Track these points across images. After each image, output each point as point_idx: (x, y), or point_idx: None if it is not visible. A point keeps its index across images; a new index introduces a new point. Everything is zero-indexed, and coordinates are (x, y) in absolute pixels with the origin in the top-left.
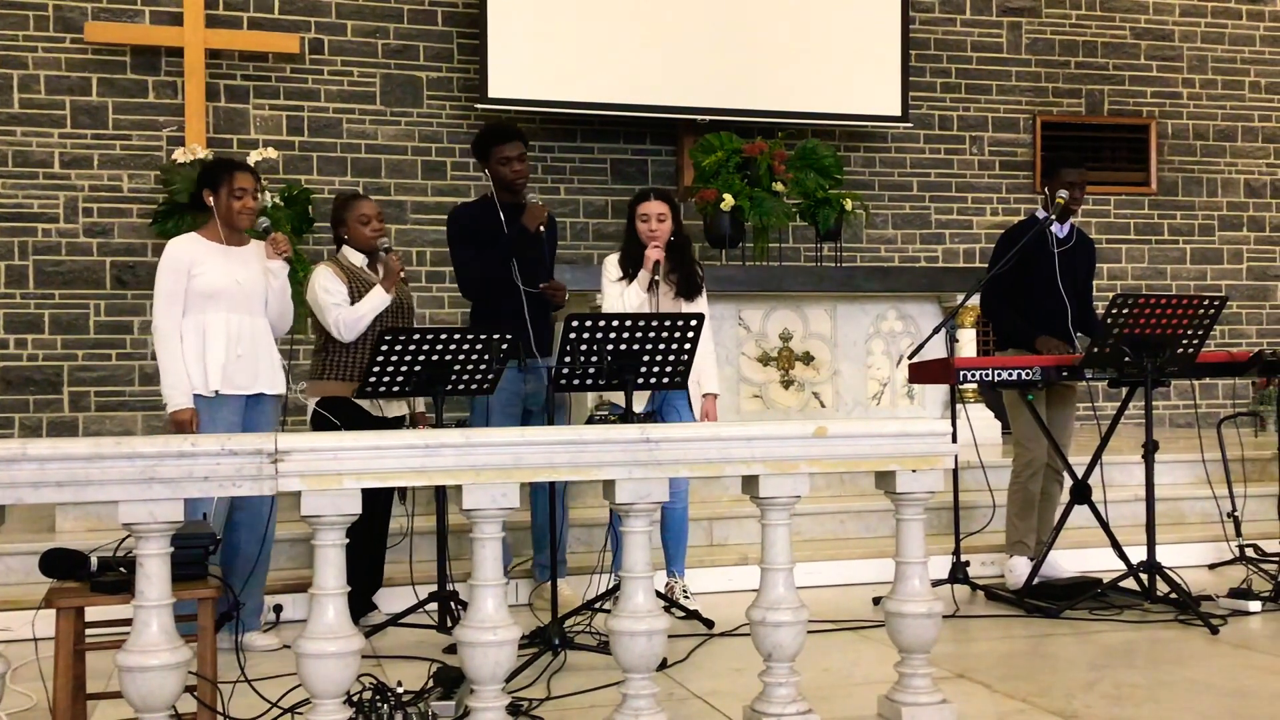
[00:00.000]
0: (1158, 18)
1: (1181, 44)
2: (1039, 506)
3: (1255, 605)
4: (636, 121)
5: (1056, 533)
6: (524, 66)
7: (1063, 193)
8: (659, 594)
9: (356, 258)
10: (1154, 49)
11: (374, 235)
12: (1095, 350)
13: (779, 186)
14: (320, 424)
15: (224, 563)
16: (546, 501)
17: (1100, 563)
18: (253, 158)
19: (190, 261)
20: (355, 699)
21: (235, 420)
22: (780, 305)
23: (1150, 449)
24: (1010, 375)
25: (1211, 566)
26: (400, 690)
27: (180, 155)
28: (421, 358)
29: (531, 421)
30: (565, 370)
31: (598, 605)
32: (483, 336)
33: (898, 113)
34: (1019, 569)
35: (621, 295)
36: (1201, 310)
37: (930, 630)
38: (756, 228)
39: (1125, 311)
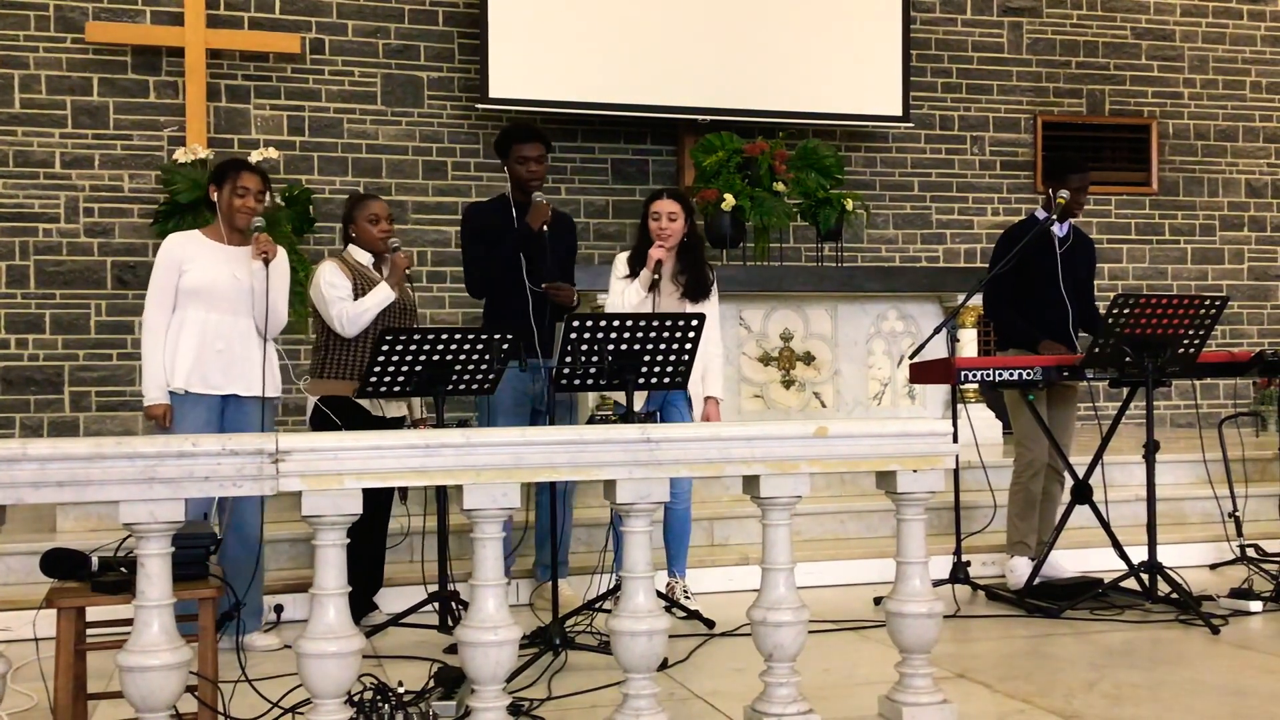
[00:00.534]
0: (1159, 18)
1: (1182, 44)
2: (1040, 506)
3: (1256, 605)
4: (637, 121)
5: (1057, 533)
6: (525, 66)
7: (1063, 193)
8: (660, 594)
9: (363, 256)
10: (1155, 49)
11: (382, 235)
12: (1096, 350)
13: (780, 186)
14: (320, 422)
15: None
16: (549, 502)
17: (1101, 563)
18: (254, 158)
19: (182, 258)
20: (356, 699)
21: (210, 419)
22: (781, 305)
23: (1151, 449)
24: (1011, 375)
25: (1212, 566)
26: (401, 690)
27: (181, 155)
28: (422, 358)
29: (540, 422)
30: (566, 370)
31: (598, 605)
32: (483, 336)
33: (899, 113)
34: (1020, 569)
35: (623, 294)
36: (1202, 310)
37: (931, 630)
38: (757, 228)
39: (1126, 311)
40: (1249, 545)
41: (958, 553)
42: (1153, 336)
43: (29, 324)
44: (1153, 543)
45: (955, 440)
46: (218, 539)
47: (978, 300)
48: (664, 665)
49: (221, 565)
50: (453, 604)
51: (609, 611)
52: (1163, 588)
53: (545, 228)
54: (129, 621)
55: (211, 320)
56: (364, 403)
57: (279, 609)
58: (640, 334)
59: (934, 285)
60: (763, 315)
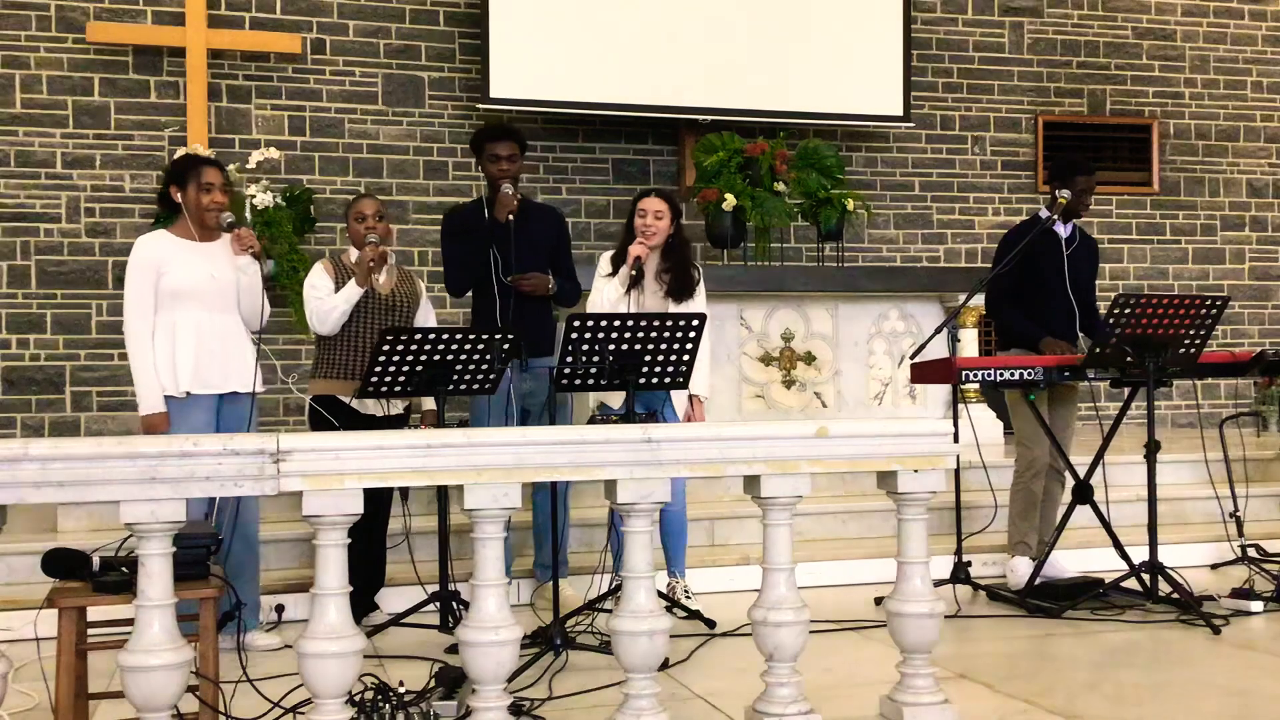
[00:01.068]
0: (1160, 18)
1: (1183, 44)
2: (1041, 506)
3: (1257, 605)
4: (638, 121)
5: (1058, 533)
6: (526, 67)
7: (1064, 193)
8: (661, 594)
9: (356, 255)
10: (1156, 49)
11: (365, 232)
12: (1097, 350)
13: (781, 186)
14: (316, 420)
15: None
16: (547, 501)
17: (1102, 563)
18: (254, 158)
19: (159, 260)
20: (357, 699)
21: (208, 419)
22: (782, 305)
23: (1152, 449)
24: (1012, 375)
25: (1214, 566)
26: (402, 690)
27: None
28: (423, 357)
29: (530, 422)
30: (567, 370)
31: (599, 605)
32: (484, 336)
33: (900, 112)
34: (1021, 569)
35: (602, 290)
36: (1204, 310)
37: (932, 630)
38: (758, 227)
39: (1127, 311)
40: (1250, 545)
41: (959, 553)
42: (1154, 336)
43: (30, 324)
44: (1154, 543)
45: (956, 440)
46: (218, 539)
47: (979, 300)
48: (665, 665)
49: (221, 564)
50: (454, 604)
51: (610, 611)
52: (1164, 588)
53: (511, 218)
54: (130, 621)
55: (204, 320)
56: (356, 401)
57: (280, 608)
58: (641, 334)
59: (935, 285)
60: (764, 315)
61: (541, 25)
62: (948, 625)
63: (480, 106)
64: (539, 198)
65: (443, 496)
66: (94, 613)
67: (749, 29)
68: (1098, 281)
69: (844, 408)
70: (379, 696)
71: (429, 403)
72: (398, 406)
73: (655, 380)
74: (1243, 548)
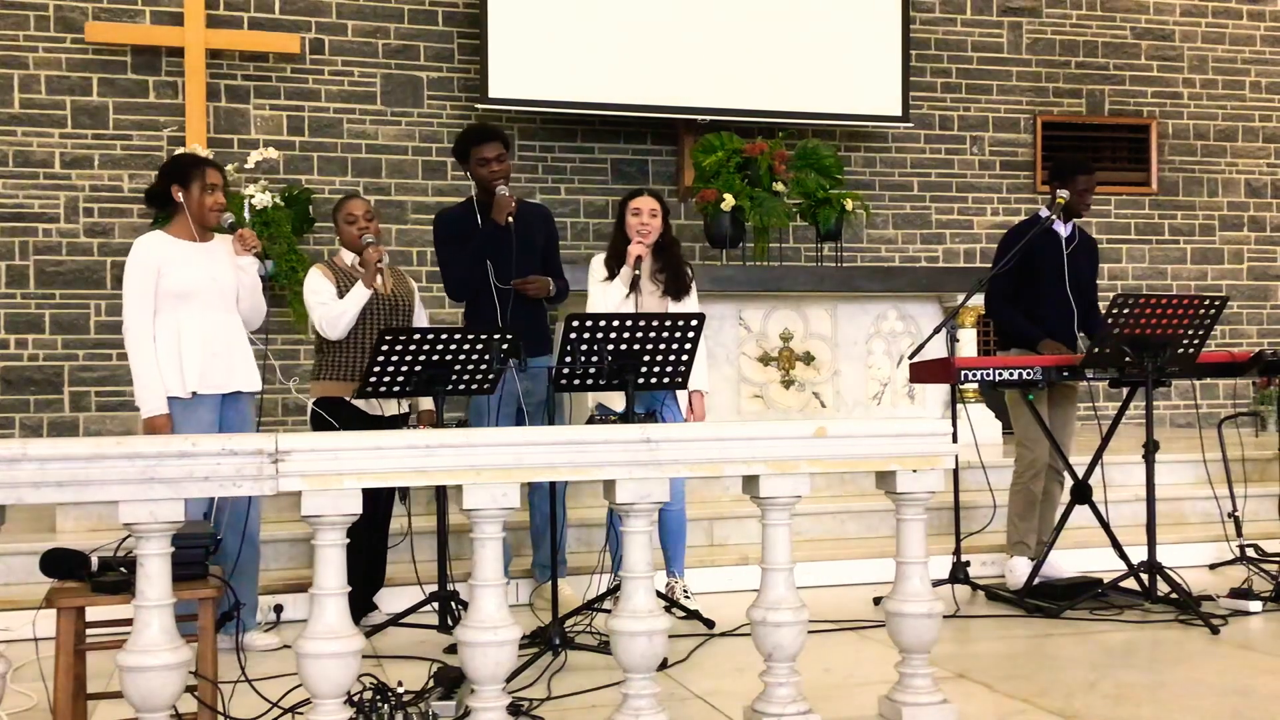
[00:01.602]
0: (1158, 18)
1: (1182, 44)
2: (1040, 506)
3: (1256, 605)
4: (637, 121)
5: (1057, 533)
6: (524, 66)
7: (1062, 193)
8: (659, 594)
9: (350, 258)
10: (1154, 49)
11: (359, 234)
12: (1096, 350)
13: (779, 186)
14: (319, 423)
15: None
16: (544, 502)
17: (1101, 563)
18: (253, 158)
19: (159, 261)
20: (356, 699)
21: (212, 420)
22: (781, 305)
23: (1151, 449)
24: (1011, 375)
25: (1212, 566)
26: (401, 690)
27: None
28: (422, 358)
29: (528, 422)
30: (565, 370)
31: (598, 605)
32: (483, 336)
33: (898, 113)
34: (1019, 569)
35: (604, 294)
36: (1202, 310)
37: (931, 630)
38: (757, 228)
39: (1126, 311)
40: (1248, 545)
41: (957, 553)
42: (1152, 336)
43: (29, 324)
44: (1152, 543)
45: (955, 440)
46: (217, 539)
47: (977, 300)
48: (664, 665)
49: (220, 563)
50: (452, 604)
51: (608, 611)
52: (1162, 588)
53: (510, 220)
54: (129, 621)
55: (207, 320)
56: (360, 402)
57: (279, 609)
58: (640, 334)
59: (933, 285)
60: (762, 315)
61: (540, 25)
62: (946, 625)
63: (479, 106)
64: (537, 197)
65: (441, 496)
66: (92, 613)
67: (748, 29)
68: (1097, 281)
69: (843, 408)
70: (378, 696)
71: (426, 402)
72: (401, 406)
73: (654, 380)
74: (1241, 548)
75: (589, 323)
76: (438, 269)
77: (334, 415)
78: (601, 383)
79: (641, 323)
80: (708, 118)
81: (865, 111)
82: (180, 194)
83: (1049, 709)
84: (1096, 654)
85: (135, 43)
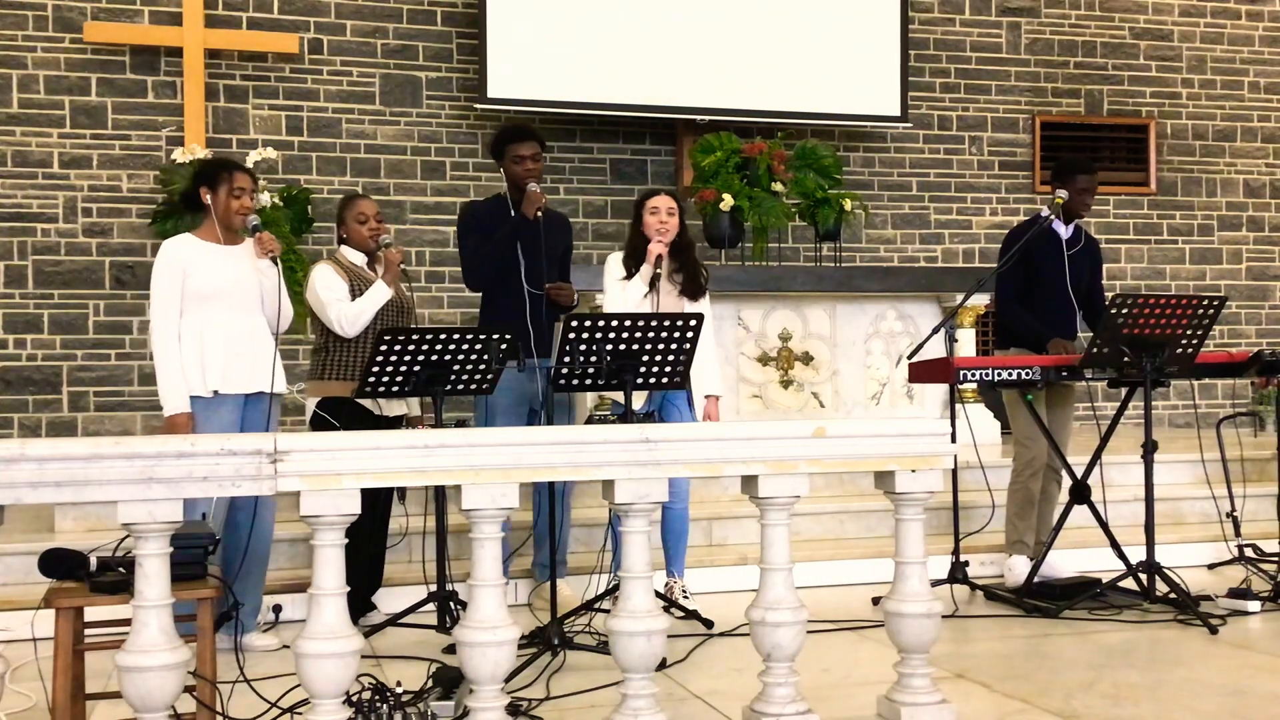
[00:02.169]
0: (1157, 18)
1: (1181, 44)
2: (1038, 506)
3: (1254, 605)
4: (636, 121)
5: (1056, 533)
6: (523, 66)
7: (1060, 193)
8: (658, 594)
9: (355, 257)
10: (1153, 49)
11: (371, 234)
12: (1094, 350)
13: (778, 186)
14: (319, 424)
15: (222, 563)
16: (547, 502)
17: (1099, 563)
18: (252, 158)
19: (186, 262)
20: (354, 699)
21: (234, 420)
22: (780, 305)
23: (1149, 449)
24: (1010, 375)
25: (1211, 566)
26: (399, 690)
27: (179, 155)
28: (421, 358)
29: (537, 422)
30: (565, 370)
31: (597, 605)
32: (482, 336)
33: (897, 113)
34: (1018, 569)
35: (624, 292)
36: (1201, 310)
37: (929, 630)
38: (756, 228)
39: (1124, 311)
40: (1247, 545)
41: (956, 553)
42: (1151, 336)
43: (27, 324)
44: (1151, 543)
45: (953, 440)
46: (216, 539)
47: (976, 300)
48: (663, 665)
49: (229, 562)
50: (451, 604)
51: (608, 611)
52: (1161, 588)
53: (539, 214)
54: (127, 621)
55: (231, 322)
56: (364, 402)
57: (278, 609)
58: (639, 334)
59: (932, 285)
60: (761, 315)
61: (539, 25)
62: (945, 625)
63: (478, 106)
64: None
65: (441, 496)
66: (91, 613)
67: (746, 29)
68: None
69: (841, 408)
70: (376, 697)
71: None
72: (403, 407)
73: (653, 380)
74: (1240, 548)
75: (587, 323)
76: (438, 268)
77: (336, 415)
78: (600, 383)
79: (640, 323)
80: (706, 118)
81: (864, 111)
82: (208, 196)
83: (1047, 709)
84: (1095, 654)
85: (134, 43)
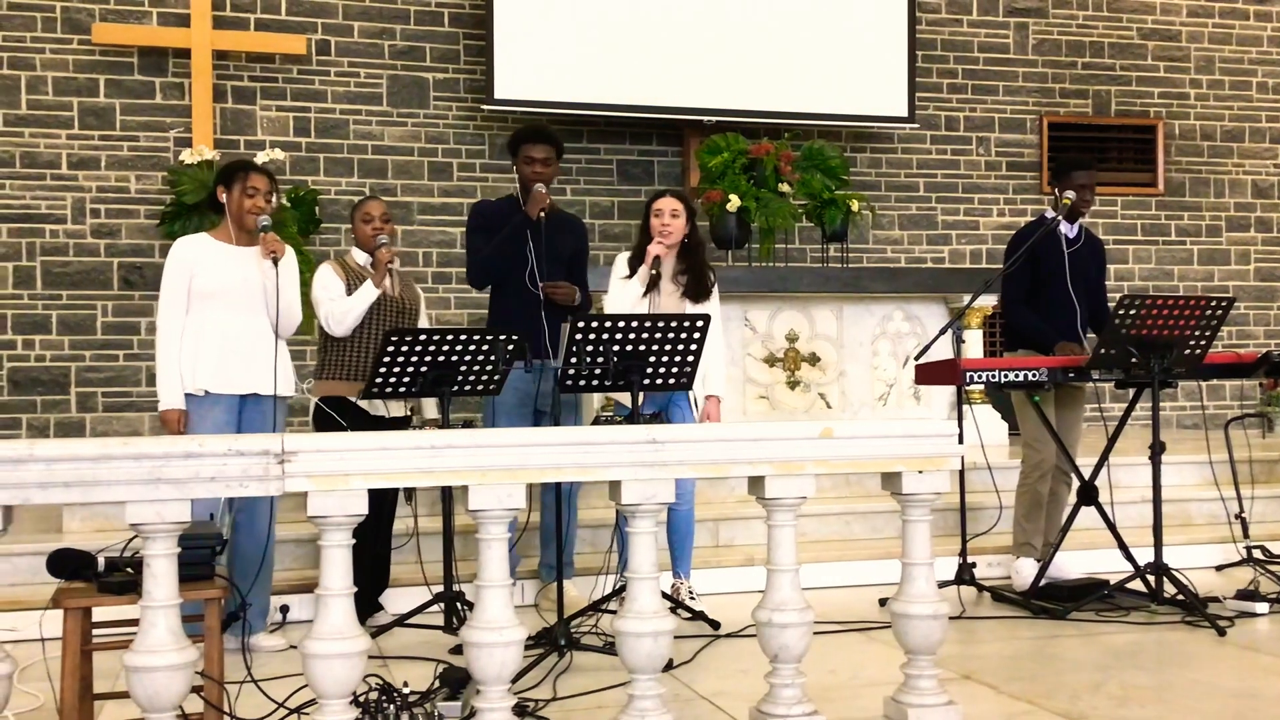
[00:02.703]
0: (1165, 18)
1: (1189, 44)
2: (1046, 508)
3: (1262, 607)
4: (642, 122)
5: (1063, 534)
6: (530, 67)
7: (1070, 194)
8: (665, 595)
9: (362, 258)
10: (1161, 49)
11: (374, 234)
12: (1102, 351)
13: (785, 187)
14: (322, 422)
15: (227, 564)
16: (554, 503)
17: (1107, 564)
18: (260, 159)
19: (193, 261)
20: (361, 699)
21: (228, 420)
22: (786, 306)
23: (1157, 450)
24: (1017, 376)
25: (1219, 568)
26: (406, 691)
27: (187, 156)
28: (428, 358)
29: (544, 423)
30: (571, 371)
31: (604, 606)
32: (488, 337)
33: (904, 113)
34: (1025, 570)
35: (622, 292)
36: (1209, 311)
37: (936, 631)
38: (762, 228)
39: (1132, 313)
40: (1255, 547)
41: (963, 554)
42: (1159, 338)
43: (35, 325)
44: (1159, 544)
45: (960, 441)
46: (224, 540)
47: (983, 301)
48: (669, 666)
49: (234, 564)
50: (458, 604)
51: (614, 612)
52: (1169, 589)
53: (543, 214)
54: (135, 622)
55: (231, 321)
56: (364, 402)
57: (285, 609)
58: (645, 335)
59: (939, 286)
60: (768, 316)
61: (545, 26)
62: (952, 626)
63: (485, 107)
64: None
65: (447, 497)
66: (99, 613)
67: (753, 30)
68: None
69: (848, 409)
70: (383, 697)
71: (429, 410)
72: (405, 407)
73: (660, 381)
74: (1248, 549)
75: (594, 323)
76: (445, 269)
77: (340, 414)
78: (607, 384)
79: (647, 323)
80: (713, 119)
81: (871, 112)
82: (224, 196)
83: (1054, 710)
84: (1102, 655)
85: (142, 44)
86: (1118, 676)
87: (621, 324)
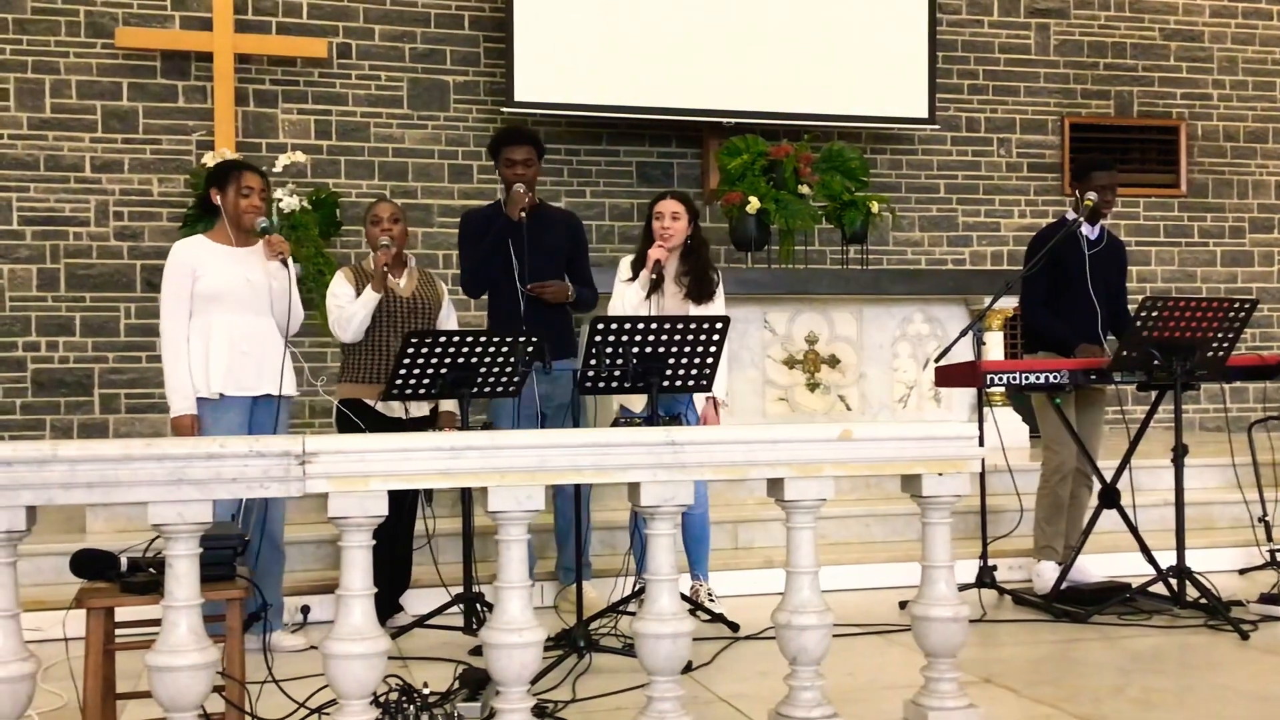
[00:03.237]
0: (1187, 19)
1: (1211, 45)
2: (1067, 511)
3: None
4: (662, 124)
5: (1085, 537)
6: (550, 70)
7: (1091, 195)
8: (684, 597)
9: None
10: (1183, 50)
11: (379, 235)
12: (1124, 353)
13: (805, 189)
14: (343, 423)
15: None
16: (568, 504)
17: (1129, 567)
18: (281, 162)
19: (195, 264)
20: (381, 700)
21: (240, 421)
22: (806, 308)
23: (1179, 453)
24: (1038, 379)
25: (1241, 571)
26: (426, 691)
27: (209, 159)
28: (448, 360)
29: (549, 424)
30: (591, 373)
31: (622, 608)
32: (508, 339)
33: (925, 114)
34: (1047, 573)
35: (624, 294)
36: (1231, 313)
37: (957, 634)
38: (782, 230)
39: (1155, 315)
40: (1278, 550)
41: (984, 557)
42: (1181, 340)
43: (59, 327)
44: (1181, 547)
45: (981, 444)
46: (245, 540)
47: (1004, 303)
48: (688, 668)
49: (249, 566)
50: (478, 606)
51: (633, 614)
52: (1191, 593)
53: (524, 215)
54: (157, 622)
55: (238, 323)
56: (380, 405)
57: (306, 609)
58: (665, 336)
59: (960, 288)
60: (788, 318)
61: (565, 29)
62: (972, 629)
63: (505, 110)
64: (562, 201)
65: (467, 499)
66: (122, 613)
67: (772, 31)
68: (1126, 285)
69: (868, 411)
70: (403, 698)
71: (446, 404)
72: (423, 409)
73: (679, 384)
74: (1271, 552)
75: (614, 325)
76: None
77: (357, 416)
78: (626, 386)
79: (666, 325)
80: (732, 120)
81: (891, 114)
82: (218, 197)
83: (1076, 714)
84: (1124, 659)
85: (165, 48)
86: (1139, 680)
87: (640, 326)
